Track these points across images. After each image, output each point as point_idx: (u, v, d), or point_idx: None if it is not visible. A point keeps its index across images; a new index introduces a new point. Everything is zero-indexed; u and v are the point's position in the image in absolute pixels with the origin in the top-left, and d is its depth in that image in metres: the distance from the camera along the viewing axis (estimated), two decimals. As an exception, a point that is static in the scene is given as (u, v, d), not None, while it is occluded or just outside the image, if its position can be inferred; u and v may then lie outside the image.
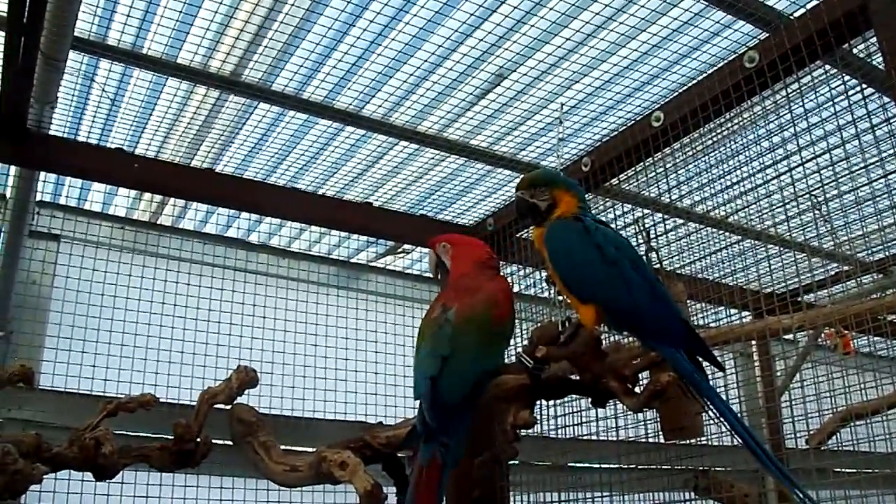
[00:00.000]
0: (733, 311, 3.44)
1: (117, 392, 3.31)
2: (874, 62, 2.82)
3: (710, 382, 2.19)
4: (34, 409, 3.38)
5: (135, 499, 3.30)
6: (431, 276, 2.71)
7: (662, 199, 3.35)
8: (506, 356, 2.55)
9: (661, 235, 3.27)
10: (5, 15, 2.62)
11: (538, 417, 2.67)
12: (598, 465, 3.61)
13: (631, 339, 2.68)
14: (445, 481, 2.30)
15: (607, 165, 3.42)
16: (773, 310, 3.09)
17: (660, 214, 3.37)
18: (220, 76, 3.22)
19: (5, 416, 3.38)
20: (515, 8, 2.90)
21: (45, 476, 2.45)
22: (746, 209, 3.10)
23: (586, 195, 2.62)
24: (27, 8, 2.53)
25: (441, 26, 2.99)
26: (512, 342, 3.81)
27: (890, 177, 2.68)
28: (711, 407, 2.13)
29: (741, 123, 3.17)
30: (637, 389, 2.27)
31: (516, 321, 3.85)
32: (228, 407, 2.90)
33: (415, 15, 2.93)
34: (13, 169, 3.54)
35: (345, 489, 2.57)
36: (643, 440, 3.33)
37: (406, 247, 4.63)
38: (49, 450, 2.51)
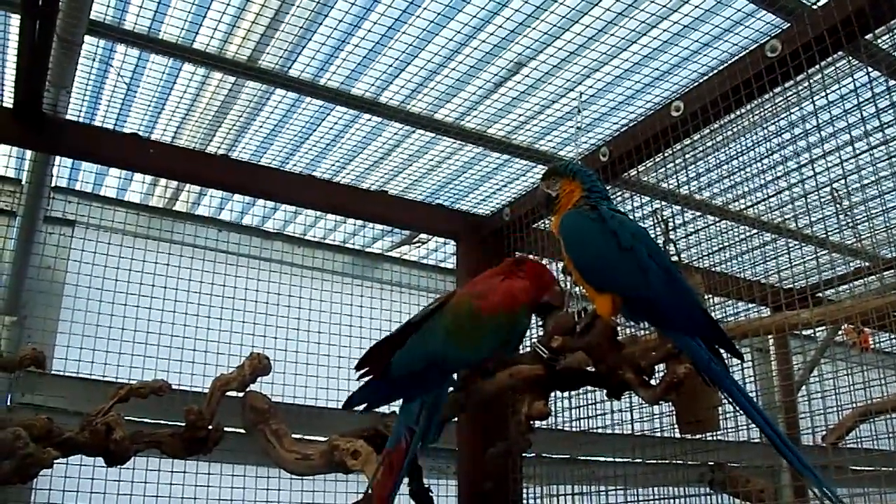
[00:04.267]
0: (751, 304, 3.40)
1: (130, 378, 3.30)
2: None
3: (730, 372, 2.16)
4: (46, 394, 3.38)
5: (146, 485, 3.30)
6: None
7: (681, 190, 3.31)
8: (507, 352, 2.52)
9: (679, 227, 3.24)
10: (20, -1, 2.61)
11: (552, 409, 2.64)
12: (612, 459, 3.58)
13: (648, 331, 2.65)
14: (406, 467, 2.34)
15: (626, 155, 3.39)
16: (791, 304, 3.06)
17: (678, 206, 3.33)
18: (236, 62, 3.20)
19: (18, 400, 3.39)
20: (535, -6, 2.87)
21: (56, 461, 2.44)
22: (766, 202, 3.06)
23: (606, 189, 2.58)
24: (43, -9, 2.52)
25: (460, 13, 2.96)
26: (528, 333, 3.82)
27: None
28: (730, 397, 2.10)
29: (762, 115, 3.13)
30: (653, 382, 2.24)
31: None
32: (241, 394, 2.89)
33: (433, 1, 2.89)
34: (28, 153, 3.54)
35: (357, 478, 2.56)
36: (658, 433, 3.30)
37: (422, 236, 4.61)
38: (60, 434, 2.50)
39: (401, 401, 2.47)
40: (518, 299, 2.45)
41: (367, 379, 2.53)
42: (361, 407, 2.51)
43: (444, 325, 2.42)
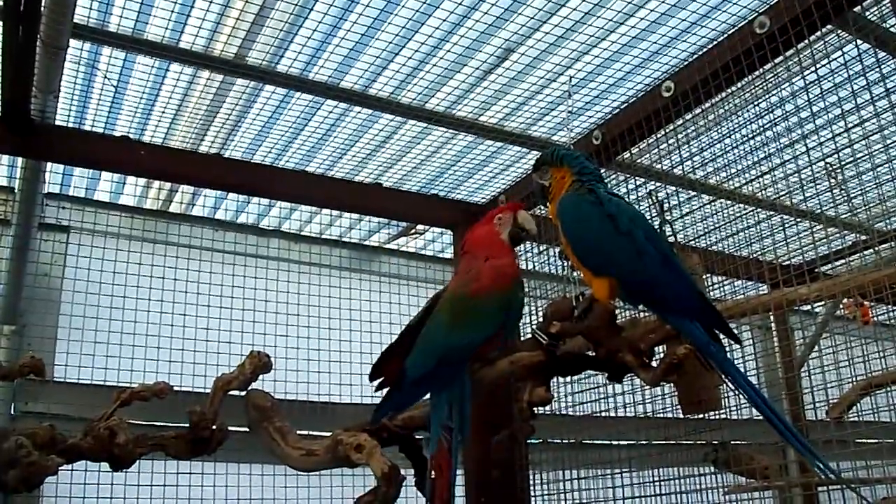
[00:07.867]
0: (749, 282, 3.40)
1: (131, 381, 3.29)
2: (887, 25, 2.77)
3: (728, 354, 2.16)
4: (49, 402, 3.39)
5: (152, 487, 3.31)
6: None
7: (675, 171, 3.30)
8: (509, 332, 2.50)
9: (674, 207, 3.23)
10: (1, 4, 2.59)
11: (554, 395, 2.64)
12: (616, 442, 3.58)
13: (647, 313, 2.65)
14: (456, 464, 2.32)
15: (618, 138, 3.38)
16: (789, 280, 3.06)
17: (673, 187, 3.32)
18: (223, 59, 3.18)
19: (22, 409, 3.39)
20: (520, -20, 2.86)
21: (61, 468, 2.44)
22: (760, 179, 3.05)
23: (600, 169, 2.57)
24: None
25: (447, 0, 2.94)
26: (526, 319, 3.82)
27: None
28: (729, 379, 2.10)
29: (753, 92, 3.12)
30: (654, 363, 2.24)
31: (530, 299, 3.86)
32: (243, 393, 2.88)
33: (418, -10, 2.88)
34: (20, 161, 3.52)
35: (362, 472, 2.56)
36: (661, 415, 3.30)
37: (420, 227, 4.60)
38: (63, 441, 2.49)
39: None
40: (507, 275, 2.43)
41: (378, 386, 2.52)
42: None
43: (443, 319, 2.39)
